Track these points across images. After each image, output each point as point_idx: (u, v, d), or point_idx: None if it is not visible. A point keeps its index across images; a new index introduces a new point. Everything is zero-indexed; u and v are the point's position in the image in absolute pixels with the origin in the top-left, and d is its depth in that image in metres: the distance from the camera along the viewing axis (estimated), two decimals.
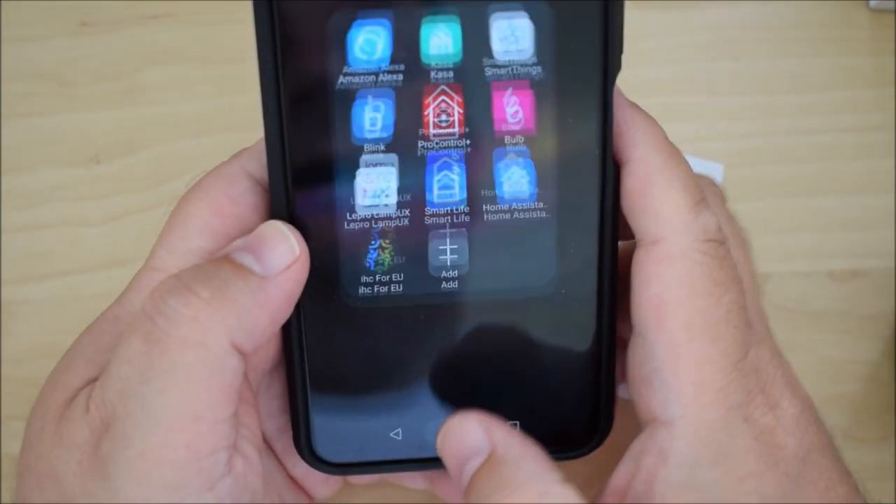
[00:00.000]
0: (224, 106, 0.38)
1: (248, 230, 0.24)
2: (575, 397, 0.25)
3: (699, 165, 0.37)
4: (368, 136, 0.23)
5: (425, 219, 0.24)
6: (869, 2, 0.38)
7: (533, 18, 0.23)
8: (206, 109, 0.38)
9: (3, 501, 0.35)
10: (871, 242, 0.37)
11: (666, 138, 0.24)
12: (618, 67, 0.23)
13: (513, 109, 0.23)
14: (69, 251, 0.37)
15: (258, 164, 0.25)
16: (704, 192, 0.24)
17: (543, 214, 0.24)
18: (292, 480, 0.28)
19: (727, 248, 0.24)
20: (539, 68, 0.23)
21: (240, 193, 0.24)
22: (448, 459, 0.24)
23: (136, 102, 0.38)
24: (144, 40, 0.38)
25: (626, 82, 0.39)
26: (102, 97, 0.38)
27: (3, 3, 0.39)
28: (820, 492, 0.23)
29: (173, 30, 0.38)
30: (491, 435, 0.23)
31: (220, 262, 0.22)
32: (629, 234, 0.24)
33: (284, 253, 0.23)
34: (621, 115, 0.24)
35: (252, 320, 0.22)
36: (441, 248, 0.24)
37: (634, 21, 0.40)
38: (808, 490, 0.23)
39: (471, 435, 0.23)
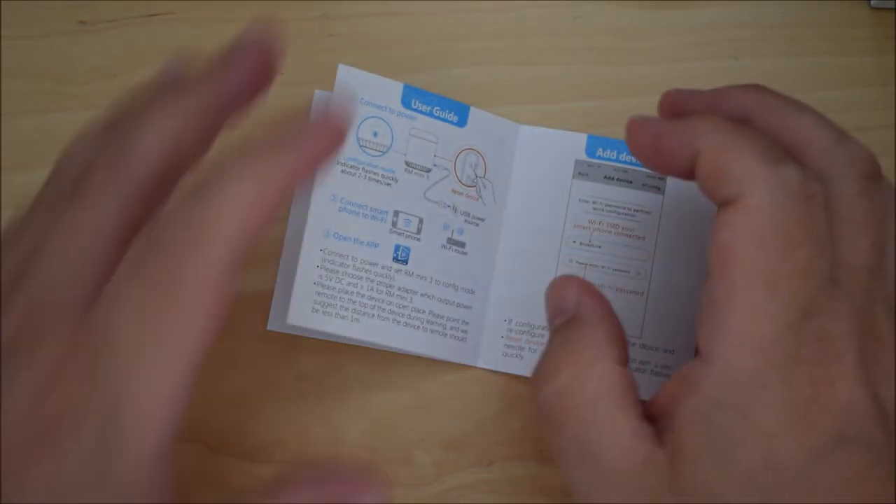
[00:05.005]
0: None
1: None
2: None
3: None
4: None
5: None
6: (870, 0, 0.38)
7: None
8: None
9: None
10: None
11: (726, 120, 0.25)
12: None
13: None
14: None
15: None
16: (782, 151, 0.24)
17: None
18: None
19: (815, 204, 0.23)
20: None
21: None
22: (546, 312, 0.26)
23: None
24: (143, 39, 0.38)
25: (628, 82, 0.39)
26: (101, 95, 0.38)
27: (1, 1, 0.39)
28: (844, 479, 0.21)
29: (172, 28, 0.38)
30: (582, 298, 0.25)
31: None
32: None
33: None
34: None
35: None
36: None
37: (635, 20, 0.40)
38: (829, 471, 0.21)
39: (566, 292, 0.26)
